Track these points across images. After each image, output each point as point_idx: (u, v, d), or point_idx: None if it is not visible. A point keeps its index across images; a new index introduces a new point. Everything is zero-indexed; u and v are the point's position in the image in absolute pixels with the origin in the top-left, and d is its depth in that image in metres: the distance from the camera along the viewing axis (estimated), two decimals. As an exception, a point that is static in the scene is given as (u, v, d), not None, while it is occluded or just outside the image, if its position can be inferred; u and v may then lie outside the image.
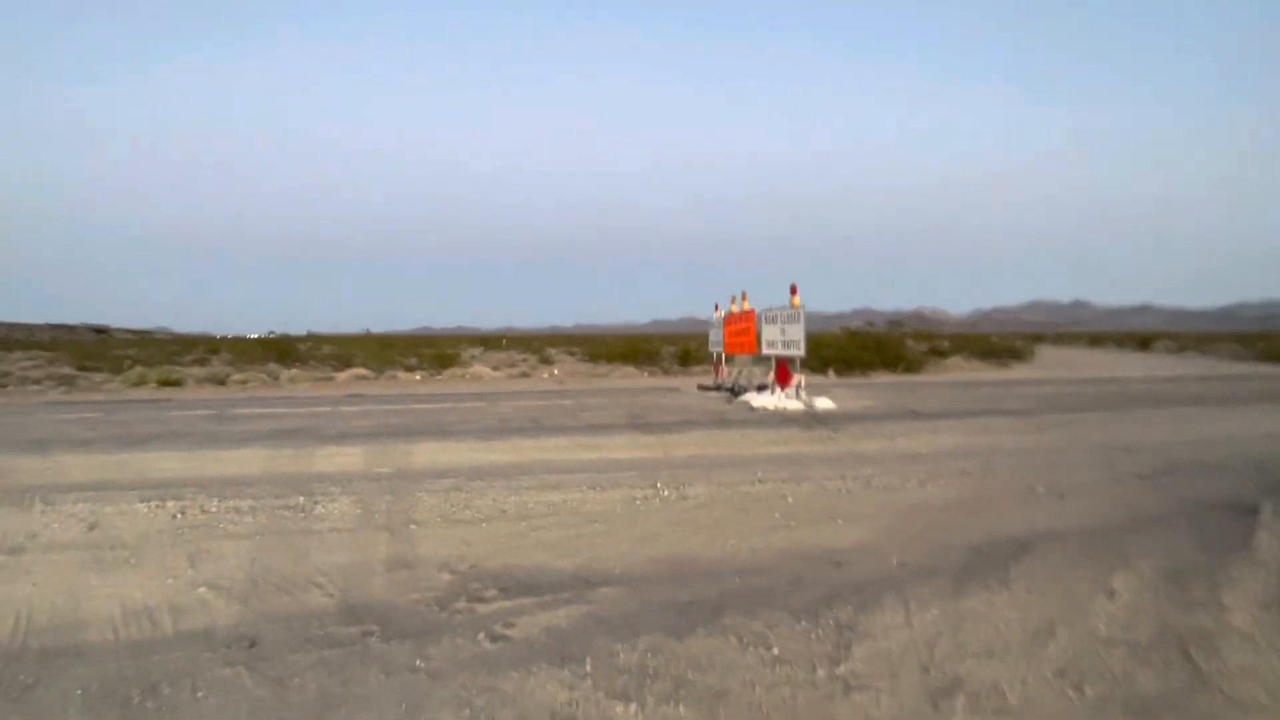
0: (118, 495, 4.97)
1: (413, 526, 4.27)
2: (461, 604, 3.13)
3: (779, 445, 7.00)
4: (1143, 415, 9.30)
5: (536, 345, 40.97)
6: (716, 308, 14.12)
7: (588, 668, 2.50)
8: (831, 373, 19.69)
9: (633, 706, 2.24)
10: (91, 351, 28.56)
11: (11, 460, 6.40)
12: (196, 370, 19.68)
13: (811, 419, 8.72)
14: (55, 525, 4.29)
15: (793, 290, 9.89)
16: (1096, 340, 62.92)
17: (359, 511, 4.58)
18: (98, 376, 18.15)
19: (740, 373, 12.67)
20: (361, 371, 19.45)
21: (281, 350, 25.21)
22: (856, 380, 18.60)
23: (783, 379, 10.26)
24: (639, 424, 8.39)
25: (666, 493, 5.05)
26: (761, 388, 11.48)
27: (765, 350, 10.94)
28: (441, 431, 7.91)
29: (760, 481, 5.40)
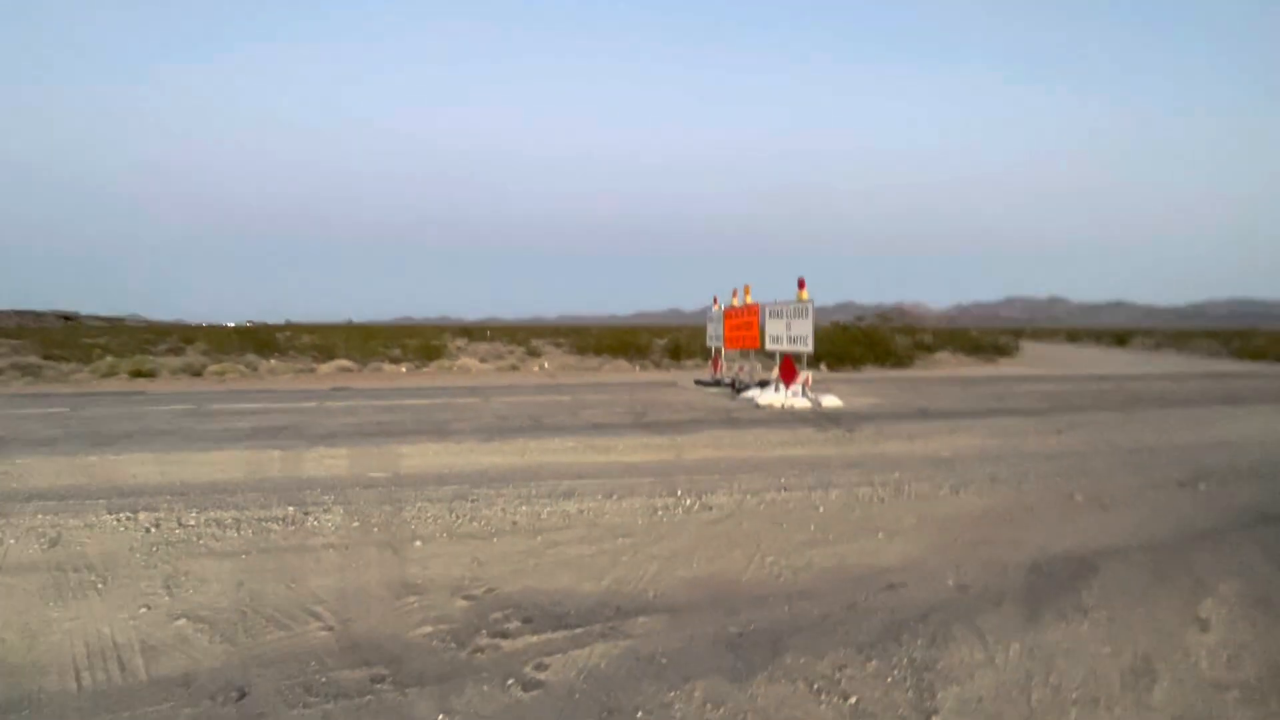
0: (83, 505, 4.48)
1: (417, 543, 3.86)
2: (483, 639, 2.75)
3: (796, 447, 6.68)
4: (1154, 416, 9.15)
5: (521, 336, 40.36)
6: (715, 301, 13.77)
7: (644, 727, 2.14)
8: (824, 367, 19.50)
9: (708, 783, 1.89)
10: (59, 340, 27.36)
11: (-35, 462, 5.85)
12: (171, 360, 18.89)
13: (822, 418, 8.42)
14: (10, 542, 3.82)
15: (800, 284, 9.57)
16: (1074, 336, 63.91)
17: (355, 524, 4.16)
18: (65, 366, 17.30)
19: (740, 368, 12.35)
20: (345, 363, 18.82)
21: (260, 340, 24.37)
22: (849, 375, 18.44)
23: (788, 376, 9.96)
24: (645, 423, 8.03)
25: (689, 501, 4.70)
26: (764, 384, 11.18)
27: (769, 346, 10.63)
28: (438, 430, 7.46)
29: (786, 488, 5.07)
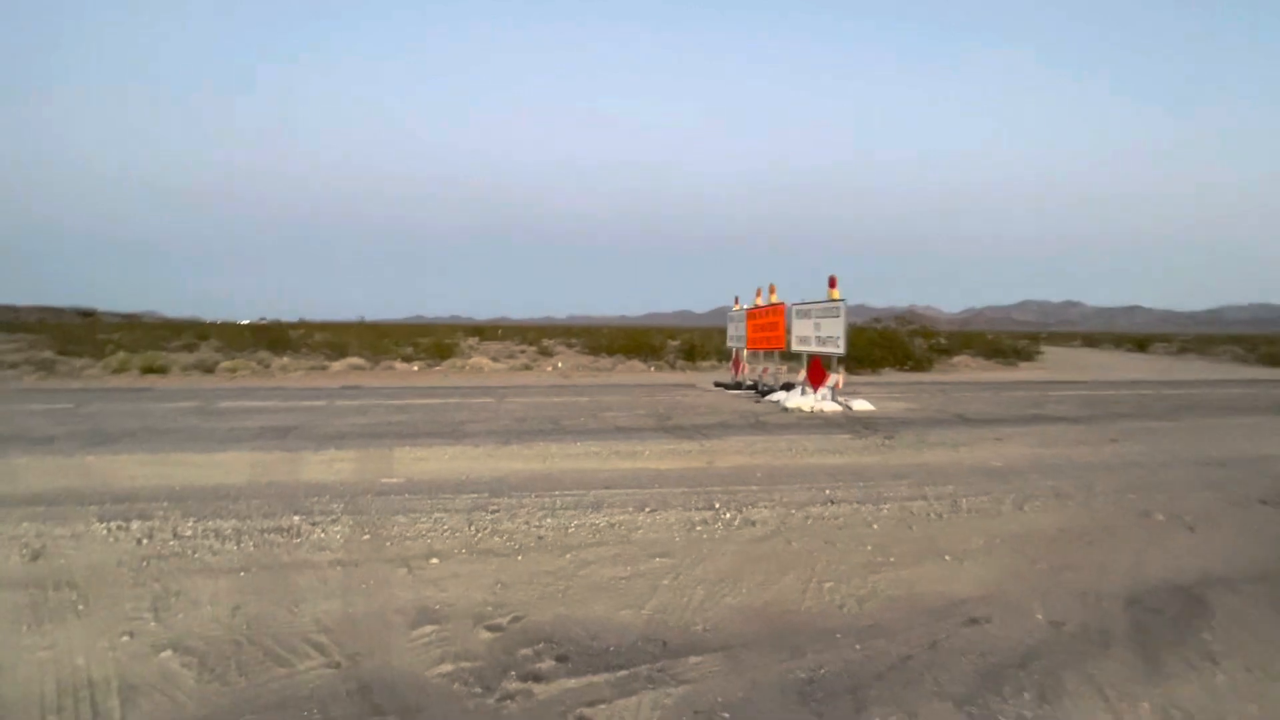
0: (74, 511, 4.14)
1: (433, 560, 3.48)
2: (512, 682, 2.36)
3: (834, 455, 6.25)
4: (1205, 425, 8.62)
5: (532, 336, 40.08)
6: (736, 301, 13.35)
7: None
8: (841, 369, 19.01)
9: None
10: (75, 335, 27.38)
11: (-42, 461, 5.55)
12: (183, 357, 18.73)
13: (855, 423, 7.98)
14: (-10, 552, 3.48)
15: (831, 283, 9.13)
16: (1092, 340, 62.77)
17: (366, 537, 3.79)
18: (78, 362, 17.16)
19: (764, 369, 11.92)
20: (357, 361, 18.56)
21: (273, 337, 24.22)
22: (870, 379, 17.91)
23: (816, 378, 9.51)
24: (670, 426, 7.62)
25: (728, 515, 4.29)
26: (789, 386, 10.75)
27: (795, 347, 10.20)
28: (452, 432, 7.10)
29: (832, 502, 4.64)
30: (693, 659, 2.56)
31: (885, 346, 22.98)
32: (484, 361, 19.87)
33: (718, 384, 13.00)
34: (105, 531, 3.78)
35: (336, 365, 18.00)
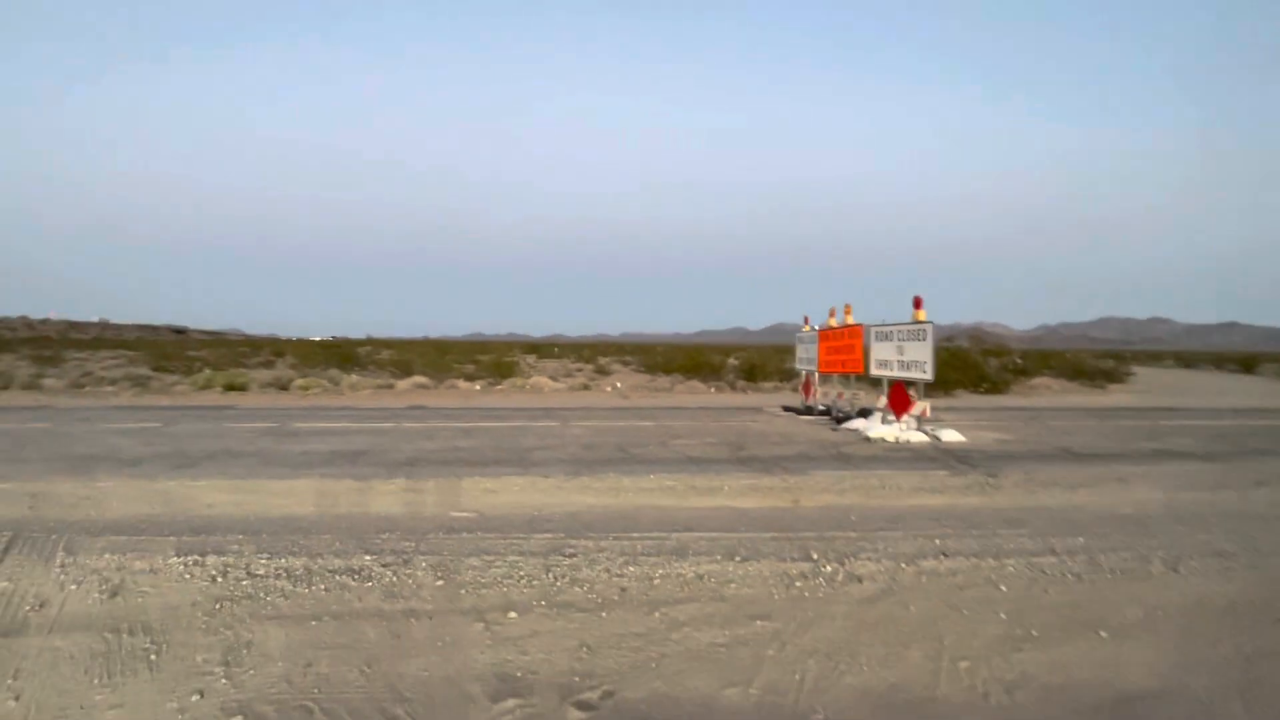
0: (153, 543, 4.10)
1: (511, 614, 3.19)
2: (612, 785, 2.02)
3: (933, 495, 5.67)
4: (1368, 464, 7.48)
5: (587, 353, 40.20)
6: (806, 321, 12.79)
7: None
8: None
9: None
10: (168, 352, 29.31)
11: (52, 485, 5.70)
12: (261, 374, 19.59)
13: (948, 456, 7.32)
14: (72, 588, 3.42)
15: (917, 304, 8.52)
16: (1186, 360, 57.87)
17: (439, 583, 3.55)
18: (169, 378, 18.20)
19: (840, 394, 11.30)
20: (421, 380, 18.93)
21: (343, 355, 25.15)
22: (947, 402, 16.84)
23: (899, 405, 8.87)
24: (745, 458, 7.19)
25: (829, 568, 3.84)
26: (865, 413, 10.10)
27: (874, 371, 9.58)
28: (520, 460, 6.90)
29: (945, 554, 4.11)
30: (821, 762, 2.15)
31: (958, 367, 21.71)
32: (544, 381, 19.91)
33: (787, 408, 12.44)
34: (182, 567, 3.69)
35: (402, 384, 18.40)
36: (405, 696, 2.49)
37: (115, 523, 4.55)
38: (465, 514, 4.87)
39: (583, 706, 2.45)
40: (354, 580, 3.55)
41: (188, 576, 3.58)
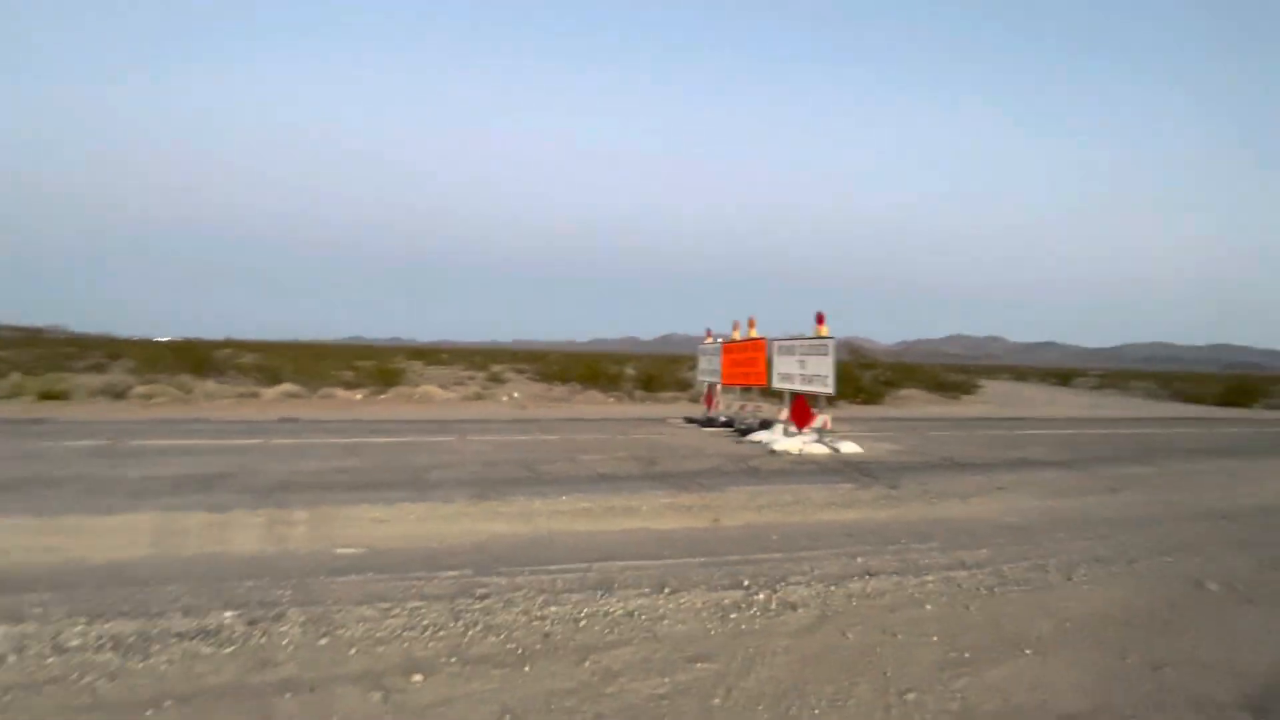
0: (-88, 610, 3.12)
1: (416, 676, 2.69)
2: None
3: (845, 510, 5.75)
4: (1184, 469, 8.66)
5: (479, 360, 38.71)
6: (708, 334, 12.92)
7: None
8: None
9: None
10: (-42, 352, 24.34)
11: None
12: (91, 379, 16.75)
13: (850, 469, 7.55)
14: None
15: (819, 319, 8.79)
16: (1019, 374, 66.23)
17: (322, 641, 2.95)
18: (-43, 385, 15.02)
19: (742, 405, 11.46)
20: (292, 388, 17.07)
21: (196, 358, 22.13)
22: (831, 412, 17.81)
23: (801, 418, 9.10)
24: (658, 474, 6.96)
25: (762, 596, 3.67)
26: (766, 424, 10.30)
27: (777, 384, 9.78)
28: (415, 482, 6.20)
29: (869, 574, 4.09)
30: (794, 840, 1.90)
31: (839, 379, 23.12)
32: (434, 390, 18.70)
33: (689, 420, 12.45)
34: (-48, 646, 2.79)
35: (269, 393, 16.48)
36: (280, 808, 1.95)
37: None
38: (352, 550, 4.21)
39: (512, 796, 2.04)
40: (208, 646, 2.86)
41: (-38, 657, 2.71)
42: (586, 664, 2.86)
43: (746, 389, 11.40)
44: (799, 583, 3.88)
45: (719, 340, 12.02)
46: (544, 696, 2.59)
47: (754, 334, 10.64)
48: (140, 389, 15.34)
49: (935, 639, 3.25)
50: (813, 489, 6.36)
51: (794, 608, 3.54)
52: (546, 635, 3.11)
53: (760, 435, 9.46)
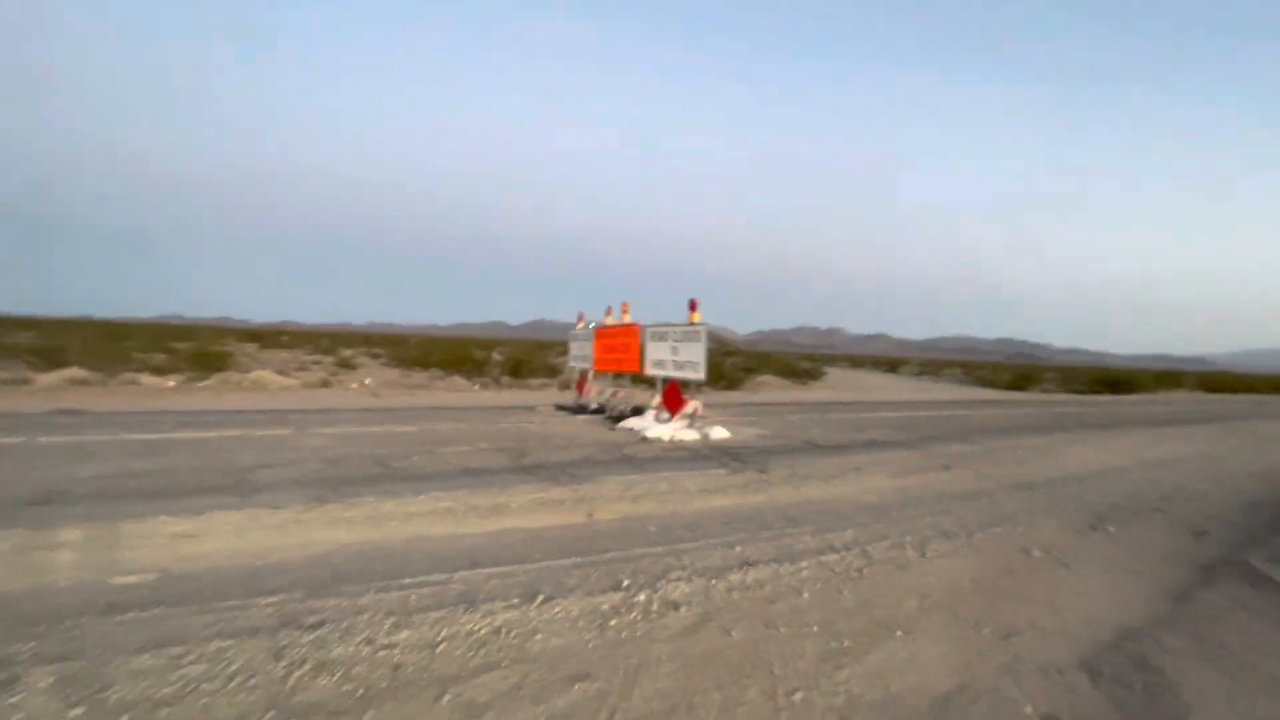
0: None
1: (216, 745, 2.10)
2: None
3: (718, 495, 5.72)
4: (998, 447, 9.84)
5: (326, 344, 35.22)
6: (580, 318, 12.59)
7: None
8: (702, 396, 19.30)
9: None
10: None
11: None
12: None
13: (721, 454, 7.63)
14: None
15: (692, 306, 8.80)
16: (856, 362, 73.93)
17: (76, 713, 2.22)
18: None
19: (615, 392, 11.28)
20: (80, 373, 14.18)
21: (-61, 338, 17.65)
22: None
23: (673, 404, 9.09)
24: (529, 465, 6.52)
25: (642, 597, 3.43)
26: (639, 411, 10.22)
27: (650, 370, 9.71)
28: (237, 485, 5.22)
29: (748, 563, 4.03)
30: None
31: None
32: (270, 376, 16.52)
33: (560, 407, 12.06)
34: None
35: (49, 378, 13.53)
36: None
37: None
38: (138, 578, 3.34)
39: None
40: (-113, 739, 2.03)
41: None
42: (446, 699, 2.42)
43: (619, 375, 11.24)
44: (679, 579, 3.70)
45: (591, 326, 11.74)
46: (391, 749, 2.13)
47: (627, 320, 10.48)
48: None
49: (815, 629, 3.21)
50: (687, 476, 6.29)
51: (676, 607, 3.35)
52: (396, 668, 2.61)
53: (633, 422, 9.33)
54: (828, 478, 6.62)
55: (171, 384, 14.52)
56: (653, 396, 9.89)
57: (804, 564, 4.08)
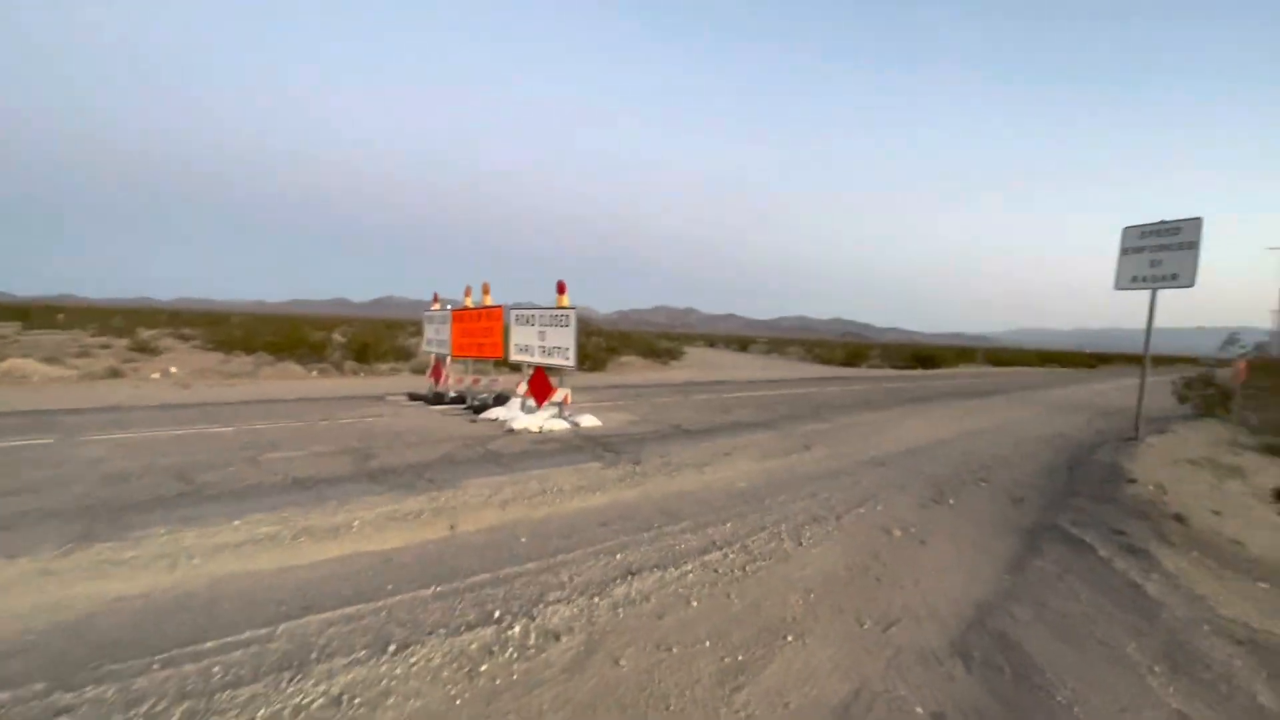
0: None
1: None
2: None
3: (595, 494, 5.38)
4: (846, 423, 10.57)
5: (120, 323, 29.61)
6: (435, 298, 11.53)
7: None
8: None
9: None
10: None
11: None
12: None
13: (593, 444, 7.31)
14: None
15: (560, 288, 8.31)
16: (710, 341, 77.84)
17: None
18: None
19: (475, 379, 10.46)
20: None
21: None
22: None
23: (541, 392, 8.60)
24: (377, 470, 5.69)
25: (517, 630, 3.00)
26: (502, 400, 9.59)
27: (514, 356, 9.09)
28: (-47, 524, 3.90)
29: (631, 572, 3.74)
30: None
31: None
32: (31, 365, 13.34)
33: (414, 396, 10.99)
34: None
35: None
36: None
37: None
38: None
39: None
40: None
41: None
42: (261, 818, 1.83)
43: (480, 361, 10.46)
44: (558, 600, 3.31)
45: (448, 307, 10.78)
46: None
47: (489, 302, 9.73)
48: None
49: (708, 643, 3.00)
50: (560, 472, 5.88)
51: (557, 637, 2.96)
52: (188, 780, 1.96)
53: (497, 412, 8.69)
54: (700, 465, 6.57)
55: (-124, 378, 11.14)
56: (518, 383, 9.30)
57: (689, 566, 3.88)
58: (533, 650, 2.84)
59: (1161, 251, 9.16)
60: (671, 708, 2.49)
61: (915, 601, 3.61)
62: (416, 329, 27.13)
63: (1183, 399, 16.07)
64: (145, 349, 18.73)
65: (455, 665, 2.67)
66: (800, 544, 4.44)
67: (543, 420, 8.09)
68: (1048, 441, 9.95)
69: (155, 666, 2.51)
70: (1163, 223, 9.27)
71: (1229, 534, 5.18)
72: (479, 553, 3.93)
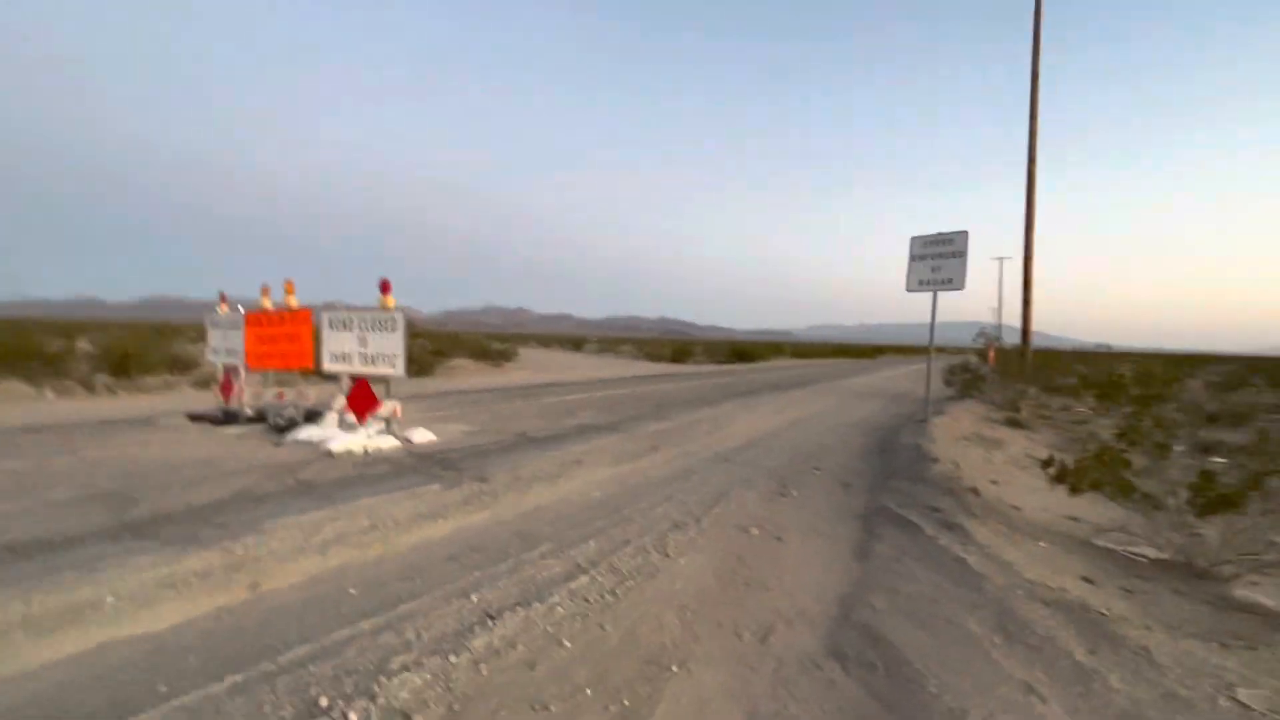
0: None
1: None
2: None
3: (436, 523, 4.73)
4: (686, 421, 10.84)
5: None
6: (223, 299, 9.66)
7: None
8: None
9: None
10: None
11: None
12: None
13: (430, 463, 6.53)
14: None
15: (384, 288, 7.34)
16: (543, 341, 77.25)
17: None
18: None
19: (279, 393, 8.90)
20: None
21: None
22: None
23: (363, 406, 7.55)
24: (143, 521, 4.42)
25: (353, 718, 2.39)
26: (314, 416, 8.30)
27: (330, 365, 7.89)
28: None
29: (490, 616, 3.26)
30: None
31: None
32: None
33: (196, 416, 9.07)
34: None
35: None
36: None
37: None
38: None
39: None
40: None
41: None
42: None
43: (284, 373, 8.96)
44: (405, 667, 2.74)
45: (241, 310, 9.07)
46: None
47: (293, 303, 8.33)
48: None
49: (589, 691, 2.66)
50: (391, 502, 5.09)
51: (408, 718, 2.41)
52: None
53: (309, 433, 7.45)
54: (552, 477, 6.17)
55: None
56: (333, 396, 8.09)
57: (555, 599, 3.50)
58: (376, 744, 2.27)
59: (940, 259, 10.68)
60: (558, 786, 2.11)
61: (784, 604, 3.61)
62: (197, 335, 22.90)
63: (948, 383, 19.16)
64: None
65: (267, 788, 2.02)
66: (667, 555, 4.28)
67: (366, 439, 7.09)
68: (857, 427, 11.13)
69: None
70: (940, 234, 10.83)
71: (1009, 500, 6.07)
72: (295, 617, 3.17)
